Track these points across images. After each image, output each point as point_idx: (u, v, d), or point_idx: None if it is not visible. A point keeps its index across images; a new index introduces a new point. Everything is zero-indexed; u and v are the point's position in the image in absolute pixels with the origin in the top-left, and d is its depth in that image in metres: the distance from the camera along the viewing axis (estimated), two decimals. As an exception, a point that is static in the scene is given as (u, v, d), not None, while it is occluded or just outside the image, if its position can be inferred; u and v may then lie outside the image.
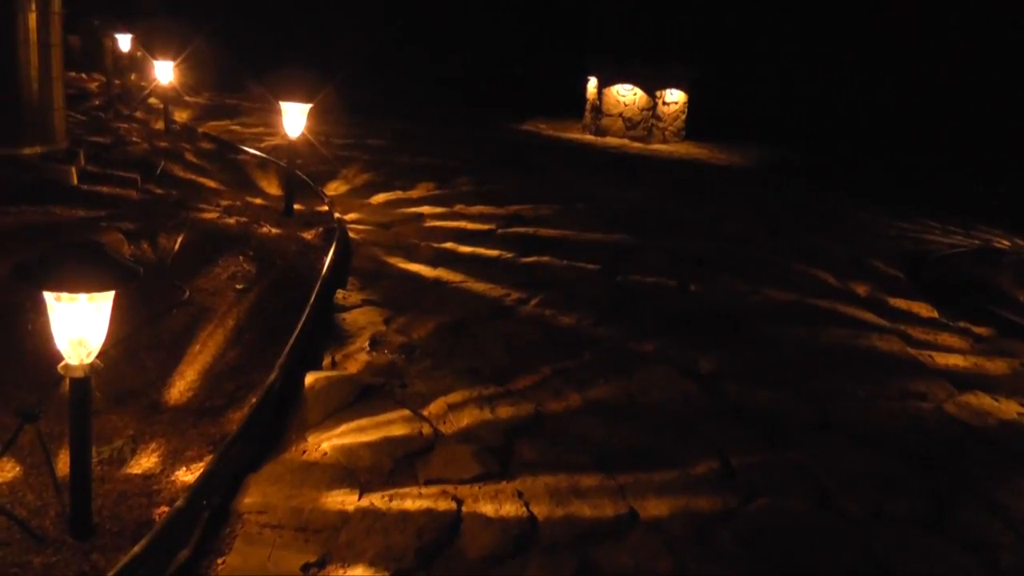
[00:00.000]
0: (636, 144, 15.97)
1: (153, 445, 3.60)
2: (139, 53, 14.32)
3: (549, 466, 3.67)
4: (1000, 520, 3.72)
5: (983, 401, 5.04)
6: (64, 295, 2.65)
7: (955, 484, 4.00)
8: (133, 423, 3.75)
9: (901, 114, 18.45)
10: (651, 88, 16.39)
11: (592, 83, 16.99)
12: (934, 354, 5.77)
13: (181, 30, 13.37)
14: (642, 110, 16.47)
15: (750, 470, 3.87)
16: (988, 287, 7.63)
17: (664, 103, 16.52)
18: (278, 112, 7.35)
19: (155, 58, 11.50)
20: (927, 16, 18.74)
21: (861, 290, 7.12)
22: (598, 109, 16.67)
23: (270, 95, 8.27)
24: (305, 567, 2.87)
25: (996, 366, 5.69)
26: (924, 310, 6.77)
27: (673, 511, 3.45)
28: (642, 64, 16.43)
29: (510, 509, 3.31)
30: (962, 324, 6.51)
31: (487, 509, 3.30)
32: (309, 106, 7.23)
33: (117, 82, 13.90)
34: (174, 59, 11.49)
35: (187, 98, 14.93)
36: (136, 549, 2.73)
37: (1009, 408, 5.00)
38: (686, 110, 16.76)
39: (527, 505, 3.36)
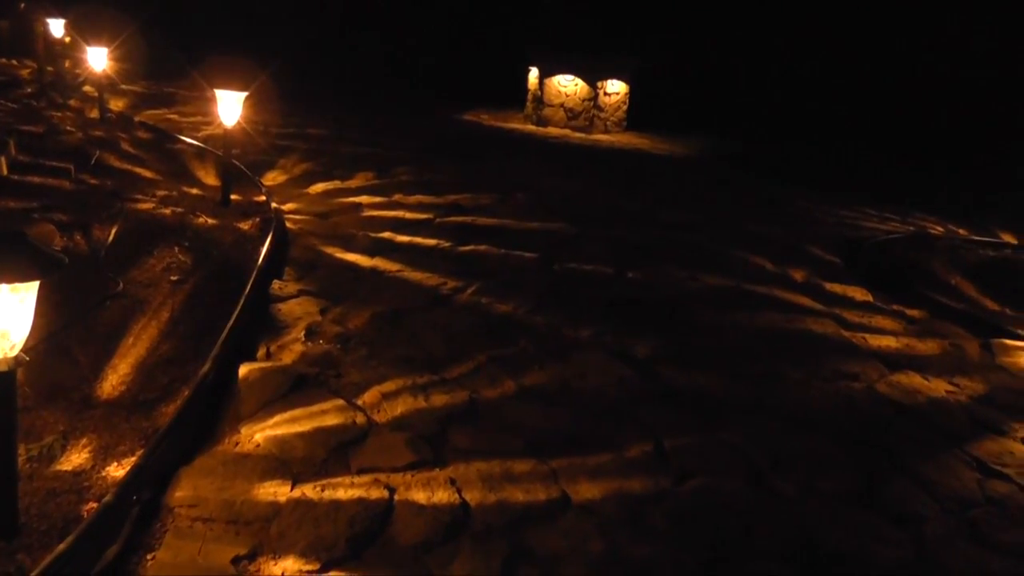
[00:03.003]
0: (578, 134, 16.00)
1: (84, 441, 3.54)
2: (68, 39, 14.02)
3: (482, 453, 3.69)
4: (927, 494, 3.84)
5: (914, 380, 5.18)
6: (-17, 286, 2.59)
7: (885, 461, 4.12)
8: (64, 419, 3.68)
9: (841, 106, 18.72)
10: (592, 79, 16.43)
11: (533, 73, 16.97)
12: (868, 336, 5.90)
13: (116, 15, 13.12)
14: (583, 100, 16.50)
15: (683, 452, 3.94)
16: (922, 271, 7.81)
17: (605, 94, 16.57)
18: (214, 100, 7.26)
19: (88, 44, 11.25)
20: (868, 10, 19.02)
21: (798, 275, 7.24)
22: (539, 99, 16.67)
23: (205, 83, 8.16)
24: (235, 560, 2.86)
25: (927, 347, 5.84)
26: (859, 294, 6.91)
27: (606, 494, 3.50)
28: (583, 55, 16.44)
29: (442, 496, 3.33)
30: (896, 307, 6.65)
31: (419, 497, 3.31)
32: (245, 94, 7.14)
33: (50, 69, 13.62)
34: (108, 45, 11.25)
35: (123, 86, 14.65)
36: (61, 547, 2.67)
37: (938, 386, 5.14)
38: (627, 101, 16.83)
39: (459, 492, 3.37)
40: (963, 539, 3.54)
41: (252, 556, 2.89)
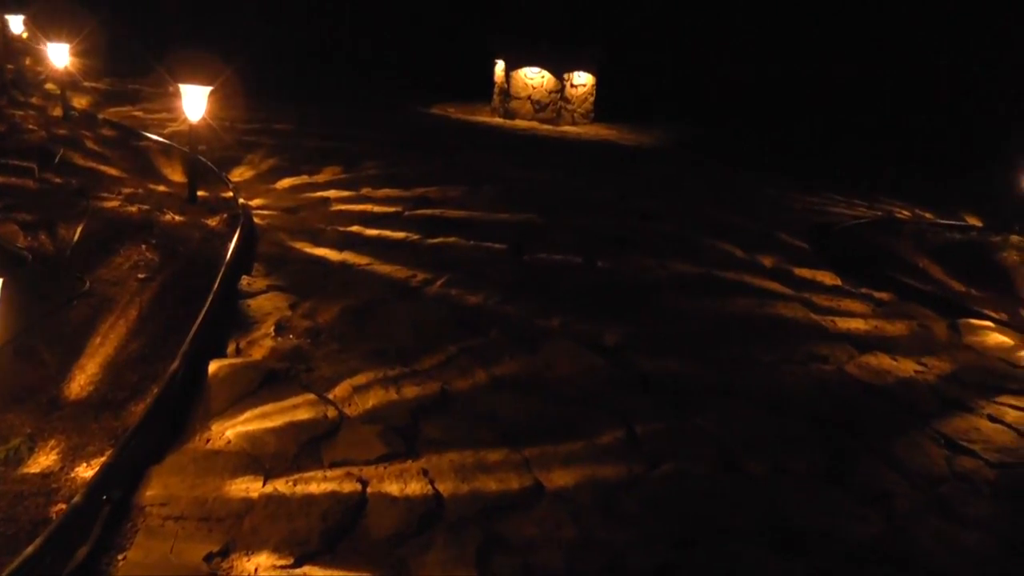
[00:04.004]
0: (545, 126, 16.01)
1: (52, 442, 3.50)
2: (26, 35, 13.81)
3: (454, 443, 3.70)
4: (896, 471, 3.92)
5: (883, 361, 5.25)
6: (-57, 286, 2.55)
7: (854, 440, 4.19)
8: (31, 421, 3.64)
9: (808, 95, 18.82)
10: (559, 71, 16.42)
11: (500, 66, 16.94)
12: (837, 319, 5.96)
13: (77, 11, 12.96)
14: (550, 92, 16.50)
15: (655, 437, 3.96)
16: (889, 255, 7.90)
17: (572, 85, 16.57)
18: (179, 96, 7.18)
19: (49, 40, 11.10)
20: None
21: (767, 262, 7.29)
22: (506, 92, 16.64)
23: (169, 78, 8.08)
24: (208, 557, 2.85)
25: (895, 328, 5.92)
26: (828, 278, 6.97)
27: (578, 481, 3.51)
28: (549, 47, 16.42)
29: (415, 487, 3.33)
30: (864, 290, 6.73)
31: (392, 489, 3.31)
32: (209, 89, 7.08)
33: (10, 67, 13.40)
34: (70, 42, 11.10)
35: (86, 83, 14.46)
36: (30, 549, 2.65)
37: (907, 366, 5.22)
38: (594, 92, 16.85)
39: (432, 483, 3.38)
40: (932, 514, 3.61)
41: (225, 553, 2.88)
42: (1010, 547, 3.46)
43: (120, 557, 2.83)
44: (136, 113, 12.58)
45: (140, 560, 2.81)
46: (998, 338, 5.89)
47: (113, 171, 8.19)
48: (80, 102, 12.60)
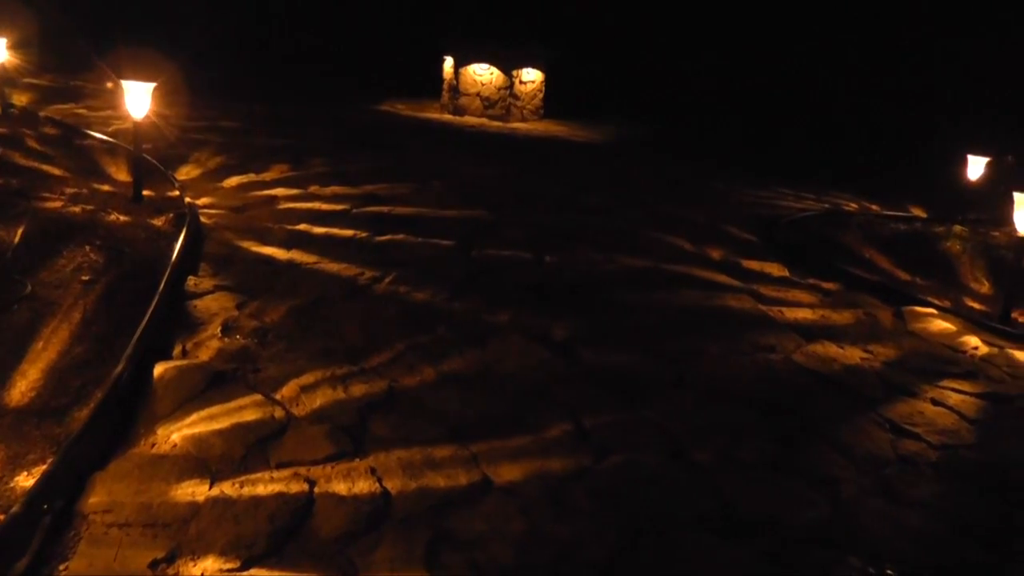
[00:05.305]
0: (495, 123, 16.05)
1: (-9, 452, 3.44)
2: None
3: (402, 441, 3.69)
4: (843, 457, 4.00)
5: (829, 349, 5.35)
6: None
7: (802, 427, 4.27)
8: (-32, 430, 3.57)
9: (755, 89, 19.01)
10: (507, 67, 16.46)
11: (448, 63, 16.93)
12: (784, 309, 6.05)
13: (13, 3, 12.69)
14: (499, 89, 16.53)
15: (604, 430, 3.99)
16: (836, 246, 8.04)
17: (521, 82, 16.63)
18: (122, 92, 7.06)
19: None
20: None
21: (716, 254, 7.37)
22: (455, 89, 16.64)
23: (112, 74, 7.94)
24: (153, 564, 2.80)
25: (842, 317, 6.04)
26: (776, 270, 7.08)
27: (527, 475, 3.52)
28: (498, 43, 16.45)
29: (363, 486, 3.31)
30: (811, 281, 6.86)
31: (340, 488, 3.29)
32: (153, 85, 6.96)
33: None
34: (7, 36, 10.86)
35: (26, 80, 14.20)
36: (-36, 564, 2.60)
37: (853, 354, 5.33)
38: (543, 89, 16.93)
39: (380, 481, 3.36)
40: (878, 497, 3.70)
41: (171, 559, 2.84)
42: (952, 526, 3.54)
43: (62, 567, 2.77)
44: (79, 110, 12.37)
45: (83, 570, 2.76)
46: (941, 324, 6.02)
47: (55, 170, 8.04)
48: (20, 99, 12.35)
